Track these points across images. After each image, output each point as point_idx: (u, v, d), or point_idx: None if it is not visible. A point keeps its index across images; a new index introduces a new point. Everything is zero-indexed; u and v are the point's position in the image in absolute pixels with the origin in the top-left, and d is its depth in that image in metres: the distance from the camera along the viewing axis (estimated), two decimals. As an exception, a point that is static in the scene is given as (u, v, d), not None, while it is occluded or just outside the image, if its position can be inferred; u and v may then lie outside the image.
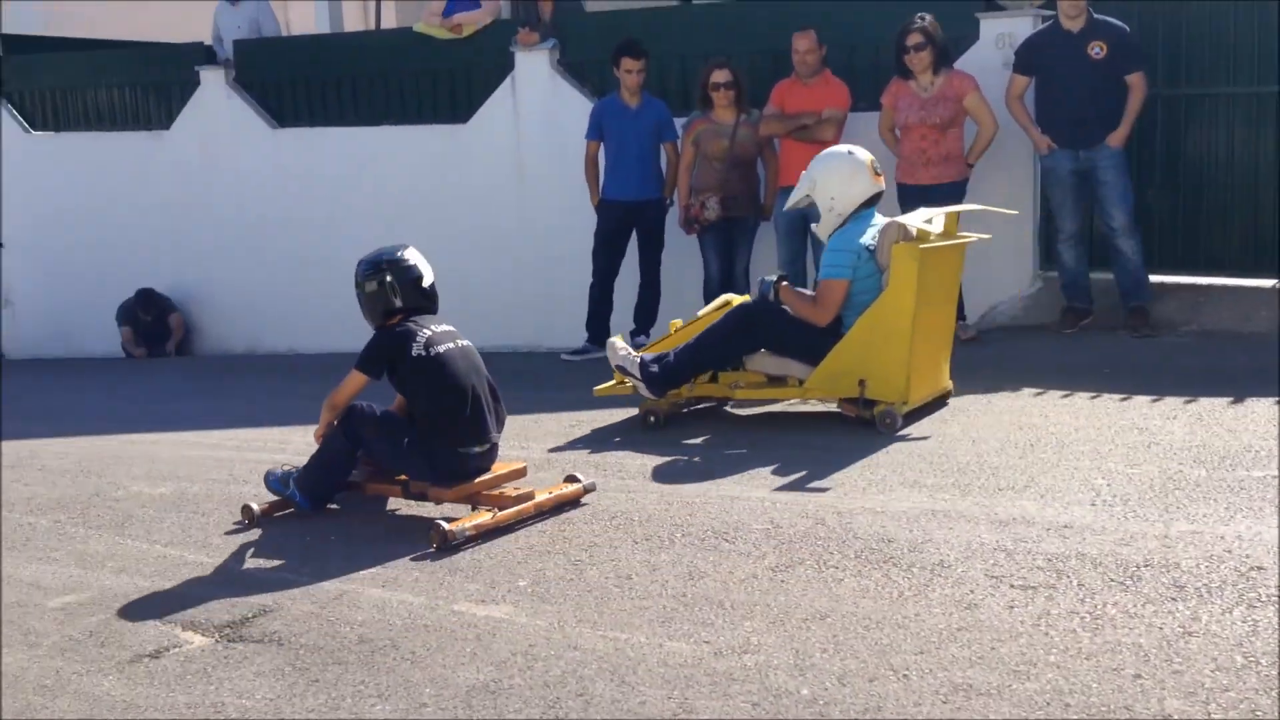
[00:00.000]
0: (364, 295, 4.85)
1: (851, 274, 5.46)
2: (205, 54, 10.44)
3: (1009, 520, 4.09)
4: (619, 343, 5.87)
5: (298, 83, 10.03)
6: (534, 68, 8.76)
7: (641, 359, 5.73)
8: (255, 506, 4.80)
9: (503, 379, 5.01)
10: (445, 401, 4.56)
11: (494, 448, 4.72)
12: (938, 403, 5.82)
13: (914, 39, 7.10)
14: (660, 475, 5.06)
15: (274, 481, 4.90)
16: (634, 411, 6.04)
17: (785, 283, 5.72)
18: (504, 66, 8.87)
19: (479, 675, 3.20)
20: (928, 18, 7.12)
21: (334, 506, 4.90)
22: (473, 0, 9.03)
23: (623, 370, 5.76)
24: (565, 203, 8.67)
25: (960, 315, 6.94)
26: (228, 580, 4.15)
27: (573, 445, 5.73)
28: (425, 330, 4.66)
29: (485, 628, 3.54)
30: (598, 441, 5.78)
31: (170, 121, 10.58)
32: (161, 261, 10.83)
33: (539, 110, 8.82)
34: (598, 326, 8.07)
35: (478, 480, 4.59)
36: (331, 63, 9.95)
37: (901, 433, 5.34)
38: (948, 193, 6.95)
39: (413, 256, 4.84)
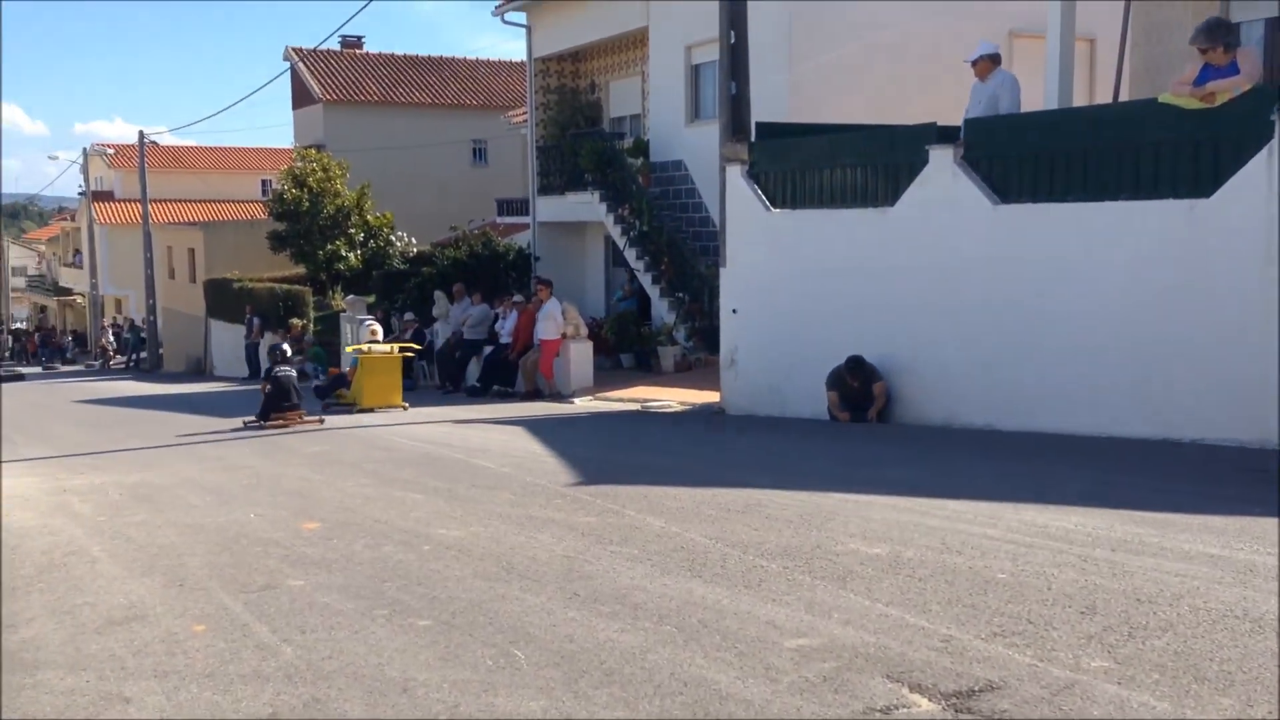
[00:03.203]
0: (270, 356, 15.36)
1: (354, 363, 16.55)
2: (938, 134, 10.76)
3: None
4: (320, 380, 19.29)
5: (1025, 158, 9.95)
6: (1301, 135, 7.84)
7: (315, 385, 18.64)
8: (244, 420, 14.34)
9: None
10: (276, 390, 14.34)
11: (294, 406, 14.33)
12: (393, 409, 15.70)
13: None
14: None
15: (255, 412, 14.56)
16: None
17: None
18: (1261, 136, 8.06)
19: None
20: None
21: (265, 422, 14.00)
22: (1229, 66, 8.35)
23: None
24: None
25: None
26: (949, 648, 4.10)
27: None
28: (278, 369, 14.62)
29: (1248, 753, 3.12)
30: None
31: (895, 198, 11.04)
32: (872, 331, 11.30)
33: (1304, 183, 7.87)
34: None
35: (287, 414, 14.23)
36: (1061, 137, 9.74)
37: None
38: None
39: (289, 345, 17.43)
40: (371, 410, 15.49)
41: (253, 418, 14.28)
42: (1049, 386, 9.70)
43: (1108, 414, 9.16)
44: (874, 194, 11.41)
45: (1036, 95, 11.59)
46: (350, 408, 15.81)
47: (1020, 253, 9.88)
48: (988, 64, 11.02)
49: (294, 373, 14.85)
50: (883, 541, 5.78)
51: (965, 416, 10.44)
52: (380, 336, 17.67)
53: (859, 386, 11.27)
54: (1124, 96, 12.42)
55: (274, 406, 14.25)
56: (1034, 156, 9.89)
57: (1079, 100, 13.39)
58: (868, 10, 17.33)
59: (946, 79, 11.32)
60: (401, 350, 16.92)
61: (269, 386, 14.46)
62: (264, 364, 20.65)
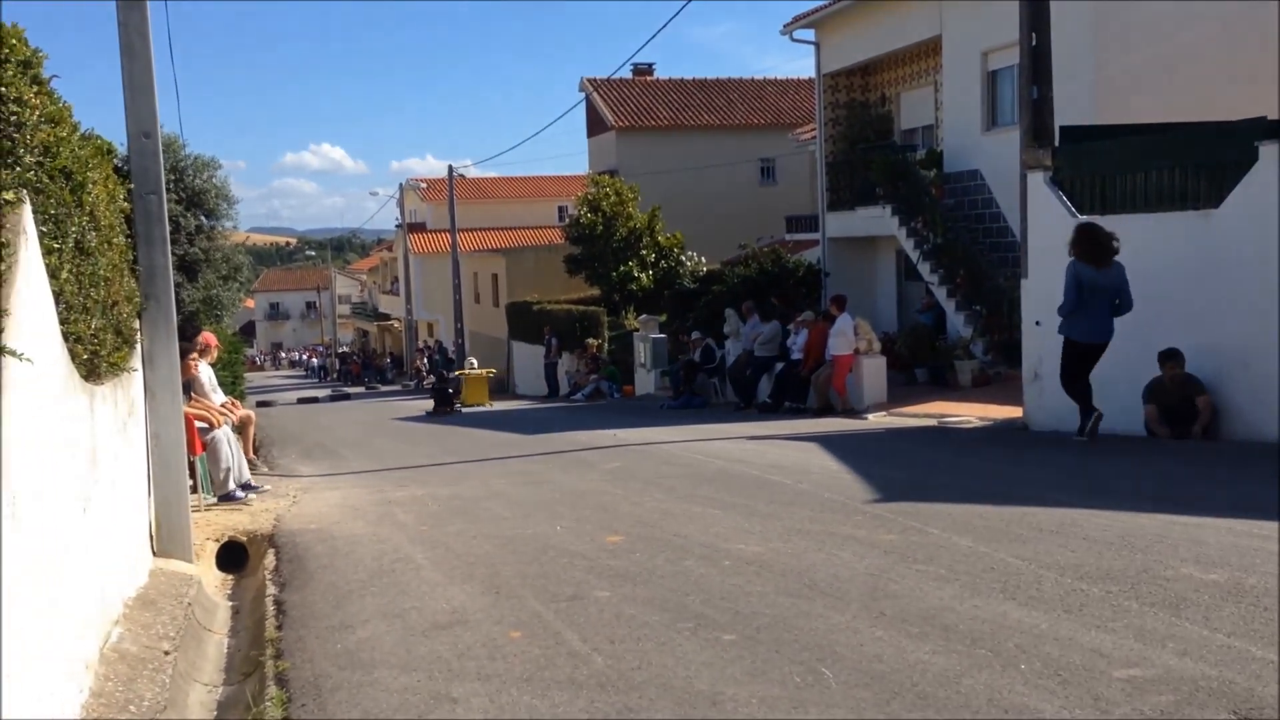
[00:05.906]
0: (439, 374, 32.16)
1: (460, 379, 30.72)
2: (1266, 130, 9.91)
3: None
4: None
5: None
6: None
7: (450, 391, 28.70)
8: (425, 410, 26.22)
9: None
10: (441, 388, 26.68)
11: (450, 402, 25.63)
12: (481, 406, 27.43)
13: None
14: None
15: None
16: None
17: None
18: None
19: None
20: None
21: (434, 411, 25.17)
22: None
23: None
24: None
25: None
26: (1305, 688, 3.72)
27: None
28: (450, 374, 31.39)
29: None
30: None
31: (1220, 200, 10.24)
32: (1194, 341, 10.52)
33: None
34: None
35: (447, 408, 25.29)
36: None
37: None
38: None
39: (473, 362, 32.56)
40: (472, 406, 27.21)
41: (431, 409, 25.52)
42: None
43: None
44: (1195, 196, 10.62)
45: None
46: (459, 404, 26.95)
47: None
48: None
49: (459, 376, 29.19)
50: (1220, 567, 5.34)
51: (1307, 432, 9.53)
52: (476, 365, 31.07)
53: (1173, 384, 10.51)
54: None
55: (440, 404, 25.25)
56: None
57: None
58: (1180, 3, 16.22)
59: (1272, 73, 10.38)
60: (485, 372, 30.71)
61: (438, 393, 26.14)
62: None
